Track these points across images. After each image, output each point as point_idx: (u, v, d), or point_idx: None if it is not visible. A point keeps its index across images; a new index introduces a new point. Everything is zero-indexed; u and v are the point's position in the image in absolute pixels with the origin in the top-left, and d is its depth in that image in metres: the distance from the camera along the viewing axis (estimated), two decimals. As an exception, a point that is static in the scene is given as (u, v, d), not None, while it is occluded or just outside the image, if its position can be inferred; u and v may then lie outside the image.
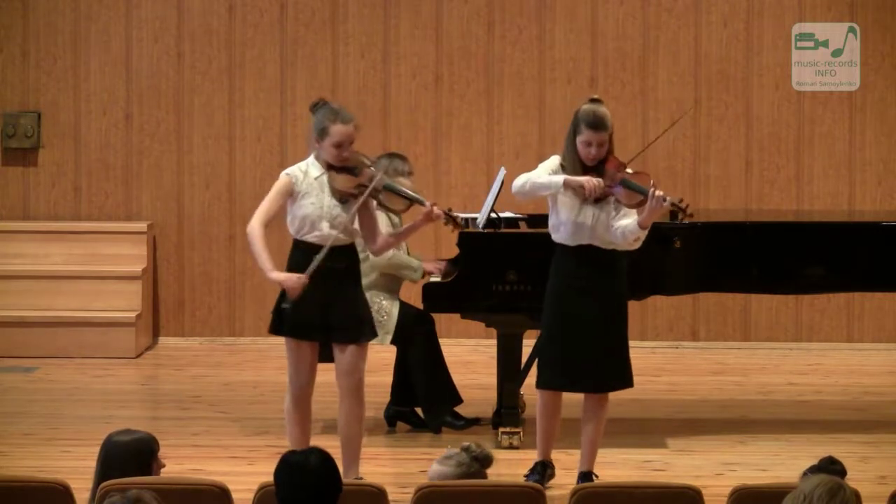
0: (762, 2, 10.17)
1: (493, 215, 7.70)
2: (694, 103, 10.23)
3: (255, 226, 6.53)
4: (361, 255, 7.38)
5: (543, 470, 6.91)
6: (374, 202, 6.67)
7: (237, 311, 10.39)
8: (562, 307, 6.75)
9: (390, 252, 7.71)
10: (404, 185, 6.93)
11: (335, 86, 10.26)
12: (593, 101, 6.69)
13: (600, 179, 6.54)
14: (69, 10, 10.29)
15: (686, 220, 6.61)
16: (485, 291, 7.43)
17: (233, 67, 10.32)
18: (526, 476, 6.84)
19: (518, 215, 8.25)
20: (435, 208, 6.59)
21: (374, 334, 6.81)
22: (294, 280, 6.46)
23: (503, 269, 7.39)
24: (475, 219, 7.90)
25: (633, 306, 9.80)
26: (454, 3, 10.26)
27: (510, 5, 10.26)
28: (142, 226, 10.24)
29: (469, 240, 7.60)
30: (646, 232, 6.61)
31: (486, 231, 7.61)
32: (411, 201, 6.68)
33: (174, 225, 10.35)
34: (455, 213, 6.72)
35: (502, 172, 7.75)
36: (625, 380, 6.81)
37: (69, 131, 10.35)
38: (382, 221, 7.16)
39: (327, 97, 9.75)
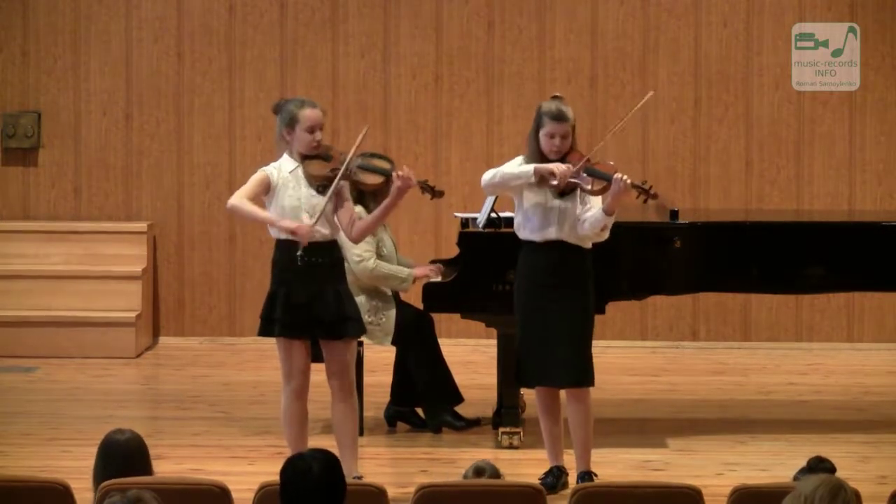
0: (762, 2, 10.15)
1: (493, 215, 7.65)
2: (694, 102, 10.28)
3: (233, 198, 6.56)
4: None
5: (559, 474, 6.87)
6: (347, 188, 6.65)
7: (237, 310, 10.36)
8: (529, 303, 6.76)
9: (372, 263, 7.67)
10: (377, 164, 6.78)
11: (335, 86, 10.25)
12: (555, 98, 6.76)
13: (570, 165, 6.58)
14: (69, 10, 10.26)
15: (650, 201, 6.59)
16: (485, 291, 7.41)
17: (233, 67, 10.30)
18: (540, 479, 6.80)
19: None
20: (404, 170, 6.54)
21: (361, 330, 6.77)
22: (305, 227, 6.45)
23: (503, 269, 7.36)
24: (475, 219, 7.85)
25: (634, 306, 9.90)
26: (454, 3, 10.25)
27: (510, 5, 10.24)
28: (142, 226, 10.22)
29: (469, 239, 7.59)
30: (612, 220, 6.61)
31: (486, 231, 7.59)
32: (386, 175, 6.61)
33: (174, 225, 10.32)
34: (432, 183, 6.67)
35: None
36: (584, 377, 6.75)
37: (69, 131, 10.32)
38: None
39: (328, 97, 9.84)
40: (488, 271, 7.42)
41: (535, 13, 10.23)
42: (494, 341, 7.77)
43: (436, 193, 6.66)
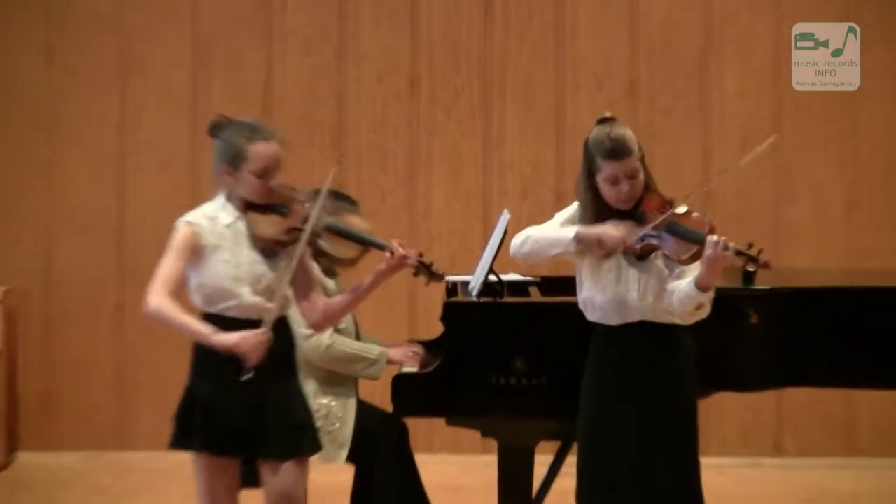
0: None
1: (493, 278, 7.53)
2: (774, 119, 10.35)
3: (155, 297, 6.44)
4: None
5: None
6: (311, 253, 6.68)
7: (129, 412, 10.42)
8: (602, 412, 6.80)
9: (328, 338, 7.70)
10: (355, 224, 6.88)
11: (268, 97, 10.36)
12: (604, 121, 6.78)
13: (626, 226, 6.62)
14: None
15: (758, 269, 6.56)
16: (480, 386, 7.34)
17: (125, 70, 10.43)
18: None
19: (528, 278, 8.25)
20: (399, 248, 6.58)
21: (316, 446, 6.71)
22: (252, 339, 6.42)
23: (506, 355, 7.32)
24: (467, 283, 7.84)
25: None
26: (438, -19, 10.50)
27: (516, -17, 10.50)
28: (-5, 293, 10.18)
29: (458, 313, 7.44)
30: (709, 296, 6.61)
31: (482, 300, 7.48)
32: (365, 244, 6.66)
33: (41, 291, 10.44)
34: (429, 261, 6.68)
35: (505, 218, 7.65)
36: None
37: None
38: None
39: (257, 113, 10.13)
40: (485, 358, 7.35)
41: (550, -7, 10.45)
42: (494, 458, 7.52)
43: (434, 276, 6.72)
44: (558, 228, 6.74)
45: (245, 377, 6.39)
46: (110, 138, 10.40)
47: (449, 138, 10.36)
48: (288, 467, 6.60)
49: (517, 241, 6.80)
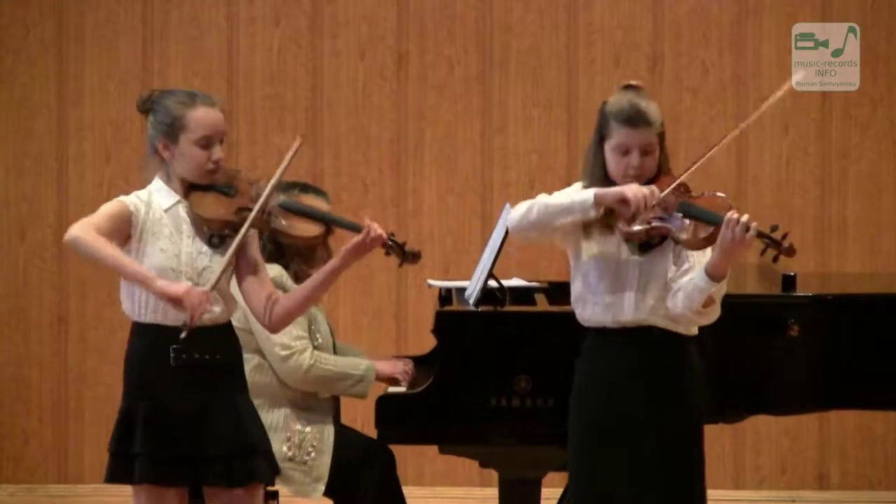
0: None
1: (493, 283, 7.50)
2: (821, 102, 10.40)
3: (76, 227, 6.39)
4: (254, 361, 7.45)
5: None
6: (256, 240, 6.64)
7: (71, 441, 10.46)
8: (594, 430, 6.79)
9: (308, 357, 7.64)
10: (315, 205, 6.87)
11: (231, 72, 10.38)
12: (629, 87, 6.79)
13: (654, 187, 6.59)
14: None
15: (781, 255, 6.46)
16: (478, 409, 7.35)
17: (63, 40, 10.43)
18: None
19: (533, 284, 8.22)
20: (368, 223, 6.53)
21: (272, 470, 6.68)
22: (200, 294, 6.38)
23: (508, 372, 7.33)
24: (463, 289, 7.83)
25: (722, 434, 10.15)
26: (429, -63, 10.55)
27: (520, -62, 10.50)
28: (-88, 302, 10.35)
29: (452, 323, 7.46)
30: (720, 288, 6.57)
31: (480, 310, 7.46)
32: (328, 222, 6.67)
33: (-36, 300, 10.35)
34: (401, 241, 6.64)
35: (507, 214, 7.42)
36: None
37: None
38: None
39: (219, 92, 9.71)
40: (484, 376, 7.35)
41: (559, -48, 10.51)
42: (494, 491, 7.59)
43: (408, 256, 6.70)
44: (569, 194, 6.67)
45: (177, 347, 6.40)
46: (48, 121, 10.42)
47: (442, 123, 10.37)
48: (239, 496, 6.57)
49: (520, 210, 6.74)
